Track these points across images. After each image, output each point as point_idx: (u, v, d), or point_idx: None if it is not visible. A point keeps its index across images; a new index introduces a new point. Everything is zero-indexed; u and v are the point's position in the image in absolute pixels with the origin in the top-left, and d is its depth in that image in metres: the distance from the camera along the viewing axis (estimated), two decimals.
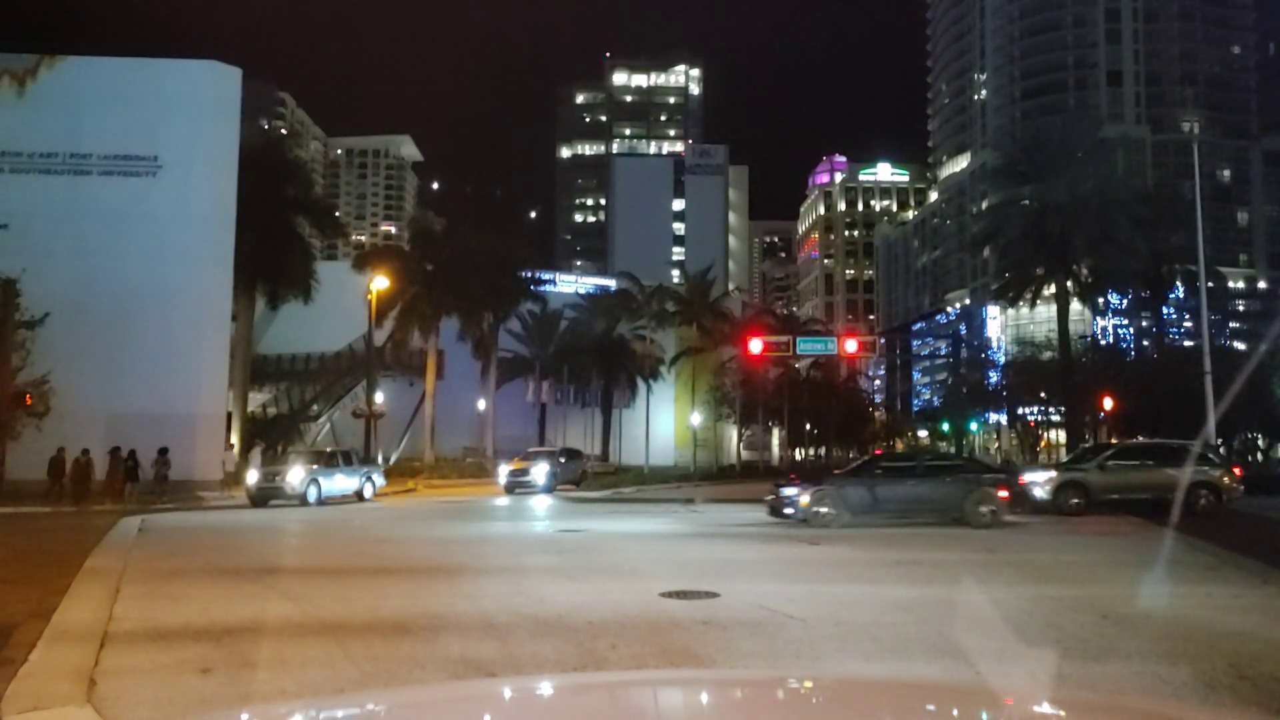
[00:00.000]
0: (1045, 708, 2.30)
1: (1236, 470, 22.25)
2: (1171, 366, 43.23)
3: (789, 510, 18.66)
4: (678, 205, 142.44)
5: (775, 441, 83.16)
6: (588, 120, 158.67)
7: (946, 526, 17.78)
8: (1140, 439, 25.43)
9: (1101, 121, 74.21)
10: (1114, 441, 26.45)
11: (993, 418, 77.51)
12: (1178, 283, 50.65)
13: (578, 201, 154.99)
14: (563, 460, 37.23)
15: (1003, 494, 18.93)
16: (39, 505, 24.10)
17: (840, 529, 17.27)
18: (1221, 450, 32.44)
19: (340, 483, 27.73)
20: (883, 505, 18.69)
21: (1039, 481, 21.52)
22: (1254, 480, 33.14)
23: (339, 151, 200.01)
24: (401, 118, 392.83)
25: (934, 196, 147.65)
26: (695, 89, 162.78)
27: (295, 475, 26.03)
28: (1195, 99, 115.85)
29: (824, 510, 18.04)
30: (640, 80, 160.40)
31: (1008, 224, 42.31)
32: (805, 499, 18.45)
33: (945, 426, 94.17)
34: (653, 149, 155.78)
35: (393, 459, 45.44)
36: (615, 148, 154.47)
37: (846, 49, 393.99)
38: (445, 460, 45.24)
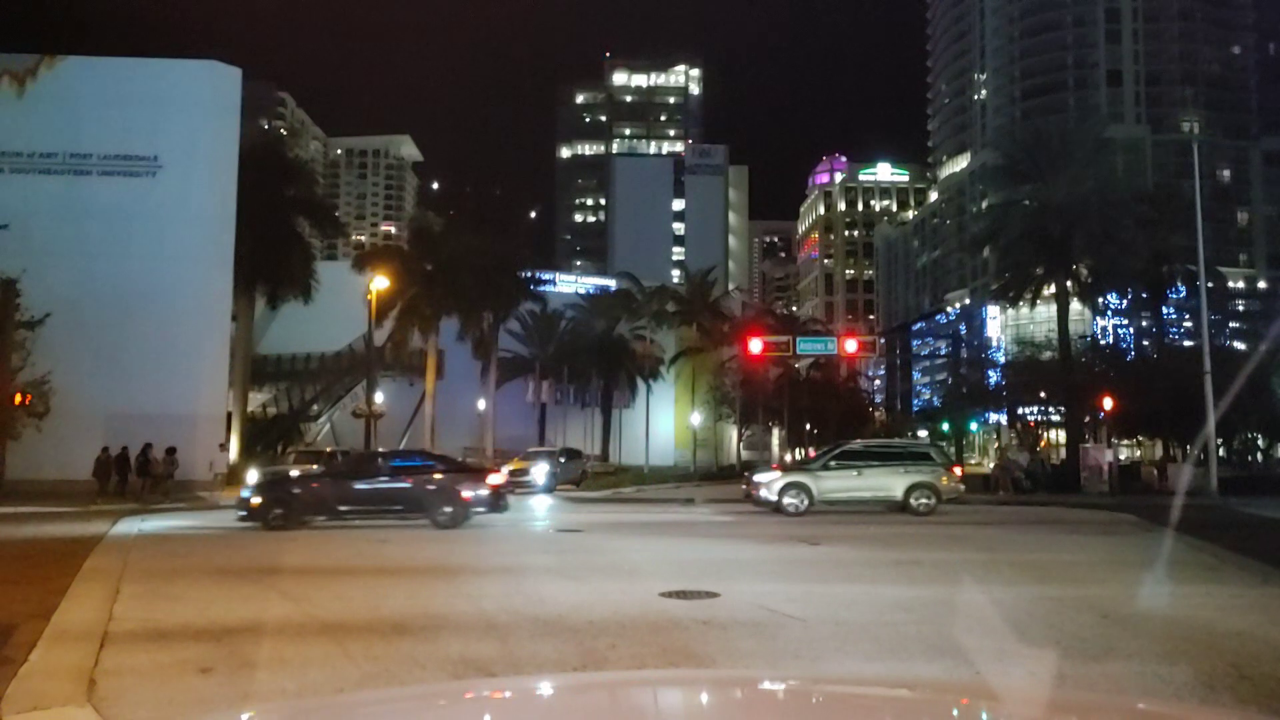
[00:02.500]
0: (1045, 708, 2.30)
1: (957, 470, 22.46)
2: (1171, 366, 43.15)
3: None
4: (678, 205, 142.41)
5: (775, 441, 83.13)
6: (587, 120, 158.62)
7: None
8: (858, 441, 25.53)
9: (1103, 121, 73.91)
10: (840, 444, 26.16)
11: (992, 418, 77.49)
12: (1178, 283, 50.61)
13: (577, 201, 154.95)
14: (563, 460, 37.25)
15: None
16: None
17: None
18: (948, 449, 32.82)
19: None
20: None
21: (765, 483, 21.54)
22: (1253, 481, 33.22)
23: (339, 151, 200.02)
24: (401, 118, 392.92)
25: (934, 196, 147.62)
26: (695, 89, 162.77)
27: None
28: (1195, 99, 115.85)
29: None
30: (640, 80, 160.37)
31: (1008, 224, 42.27)
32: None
33: (945, 426, 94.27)
34: (652, 149, 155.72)
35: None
36: (615, 148, 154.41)
37: (846, 49, 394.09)
38: None
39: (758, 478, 22.51)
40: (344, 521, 17.72)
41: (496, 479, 19.72)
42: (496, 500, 18.74)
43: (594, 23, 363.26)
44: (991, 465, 46.17)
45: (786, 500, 20.67)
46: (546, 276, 64.98)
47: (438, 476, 18.52)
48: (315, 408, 54.69)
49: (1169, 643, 7.24)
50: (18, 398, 27.07)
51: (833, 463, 22.08)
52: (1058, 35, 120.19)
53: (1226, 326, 79.81)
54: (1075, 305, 43.15)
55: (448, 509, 17.63)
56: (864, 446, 24.02)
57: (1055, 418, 55.04)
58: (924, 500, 20.90)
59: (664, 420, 66.20)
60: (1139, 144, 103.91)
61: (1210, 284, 39.40)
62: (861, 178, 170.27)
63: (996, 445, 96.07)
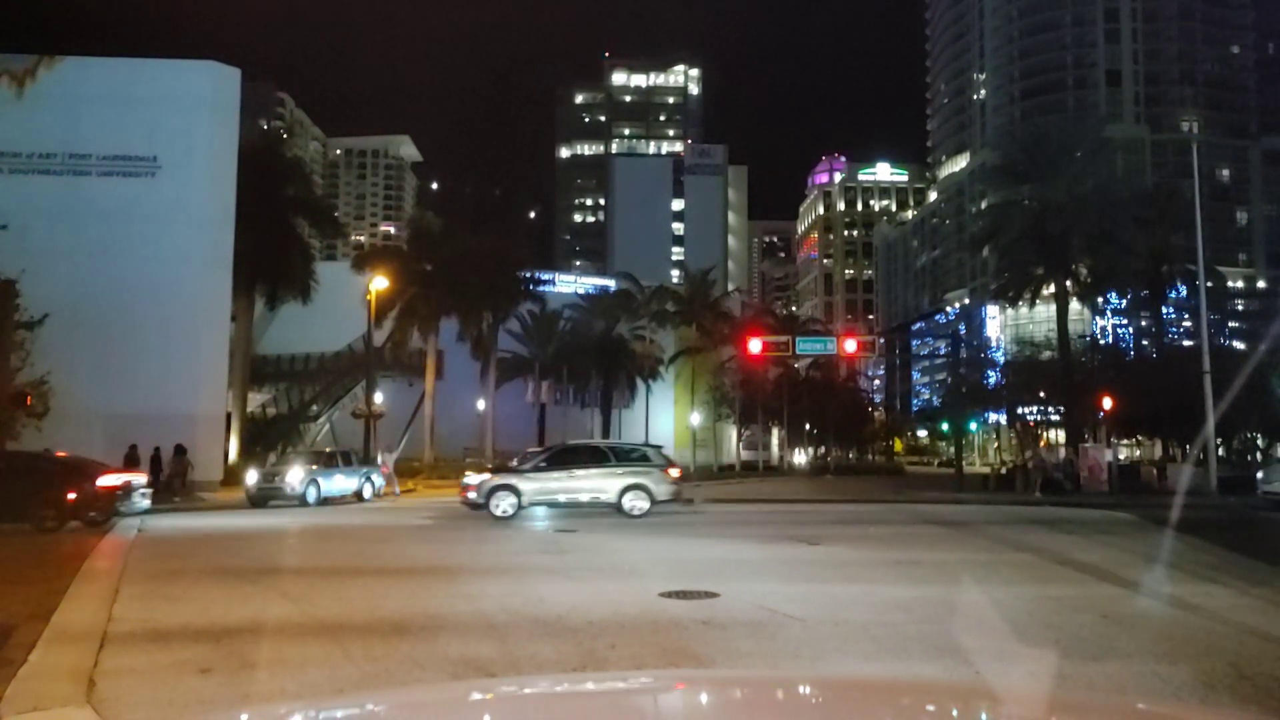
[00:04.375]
0: (1045, 708, 2.29)
1: (672, 471, 21.70)
2: (1171, 366, 43.19)
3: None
4: (677, 205, 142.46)
5: (775, 441, 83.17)
6: (587, 120, 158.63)
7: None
8: (575, 442, 25.21)
9: (1103, 121, 74.08)
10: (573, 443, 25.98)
11: (992, 417, 77.52)
12: (1177, 282, 50.63)
13: (577, 201, 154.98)
14: None
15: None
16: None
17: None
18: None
19: (340, 483, 27.71)
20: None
21: (474, 484, 20.96)
22: (1253, 481, 33.09)
23: (338, 152, 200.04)
24: (401, 118, 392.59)
25: (933, 196, 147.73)
26: (694, 89, 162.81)
27: (294, 476, 26.02)
28: (1195, 99, 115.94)
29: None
30: (639, 80, 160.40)
31: (1007, 224, 42.30)
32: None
33: (945, 426, 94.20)
34: (652, 149, 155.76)
35: (392, 459, 45.40)
36: (614, 148, 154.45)
37: (846, 49, 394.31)
38: (445, 460, 45.20)
39: (468, 479, 21.74)
40: None
41: (111, 480, 19.16)
42: (109, 503, 18.29)
43: (593, 23, 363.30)
44: (998, 464, 46.20)
45: (494, 503, 19.96)
46: (546, 276, 65.06)
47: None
48: (315, 408, 54.68)
49: (1169, 643, 7.24)
50: (22, 398, 27.06)
51: (544, 464, 21.50)
52: (1057, 35, 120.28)
53: (1226, 326, 79.86)
54: (1075, 305, 43.21)
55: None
56: (580, 447, 23.61)
57: (1055, 417, 55.07)
58: (638, 502, 20.29)
59: (663, 420, 66.20)
60: (1138, 144, 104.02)
61: (1210, 284, 39.40)
62: (861, 178, 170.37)
63: (996, 445, 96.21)
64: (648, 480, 20.79)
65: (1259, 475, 25.80)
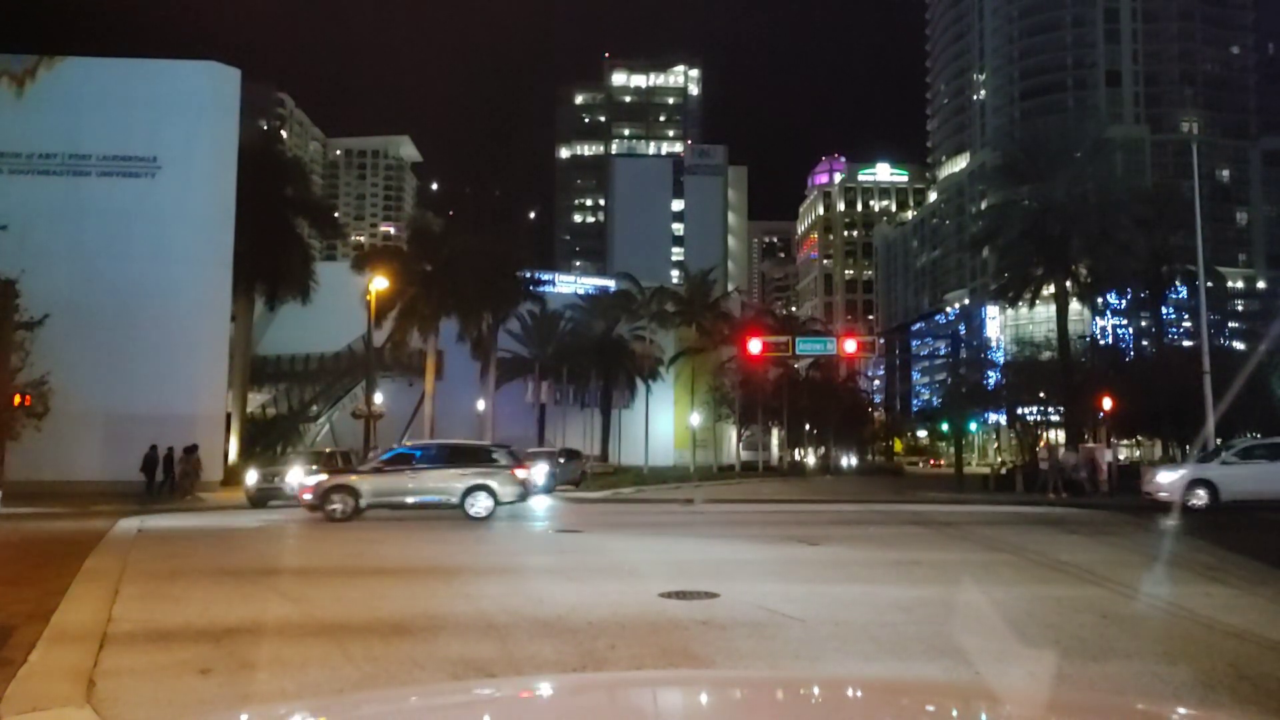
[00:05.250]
0: (1045, 708, 2.29)
1: (519, 471, 21.23)
2: (1171, 366, 43.18)
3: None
4: (677, 206, 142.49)
5: (775, 441, 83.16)
6: (587, 121, 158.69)
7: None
8: (425, 441, 24.95)
9: (1103, 122, 74.01)
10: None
11: (992, 418, 77.52)
12: (1177, 283, 50.61)
13: (577, 202, 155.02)
14: (562, 461, 37.22)
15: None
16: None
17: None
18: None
19: None
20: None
21: (309, 484, 20.54)
22: None
23: (338, 152, 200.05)
24: (401, 118, 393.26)
25: (933, 196, 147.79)
26: (694, 89, 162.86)
27: (295, 476, 26.00)
28: (1194, 99, 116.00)
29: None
30: (639, 81, 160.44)
31: (1007, 224, 42.27)
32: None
33: (945, 426, 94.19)
34: (652, 149, 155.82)
35: None
36: (614, 148, 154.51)
37: (846, 48, 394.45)
38: None
39: (305, 480, 21.27)
40: None
41: None
42: None
43: (593, 23, 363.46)
44: (998, 464, 46.13)
45: (329, 504, 19.50)
46: (546, 277, 65.05)
47: None
48: (315, 408, 54.71)
49: (1169, 643, 7.24)
50: (17, 398, 27.06)
51: (385, 465, 21.18)
52: (1057, 35, 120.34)
53: (1226, 326, 79.86)
54: (1074, 305, 43.17)
55: None
56: (425, 447, 23.25)
57: (1055, 418, 55.06)
58: (482, 503, 19.91)
59: (663, 421, 66.22)
60: (1138, 144, 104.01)
61: (1209, 284, 39.36)
62: (861, 178, 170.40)
63: (996, 445, 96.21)
64: (492, 481, 20.25)
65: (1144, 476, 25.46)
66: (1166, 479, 23.00)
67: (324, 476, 21.12)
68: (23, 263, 27.70)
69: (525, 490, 21.17)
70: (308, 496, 20.10)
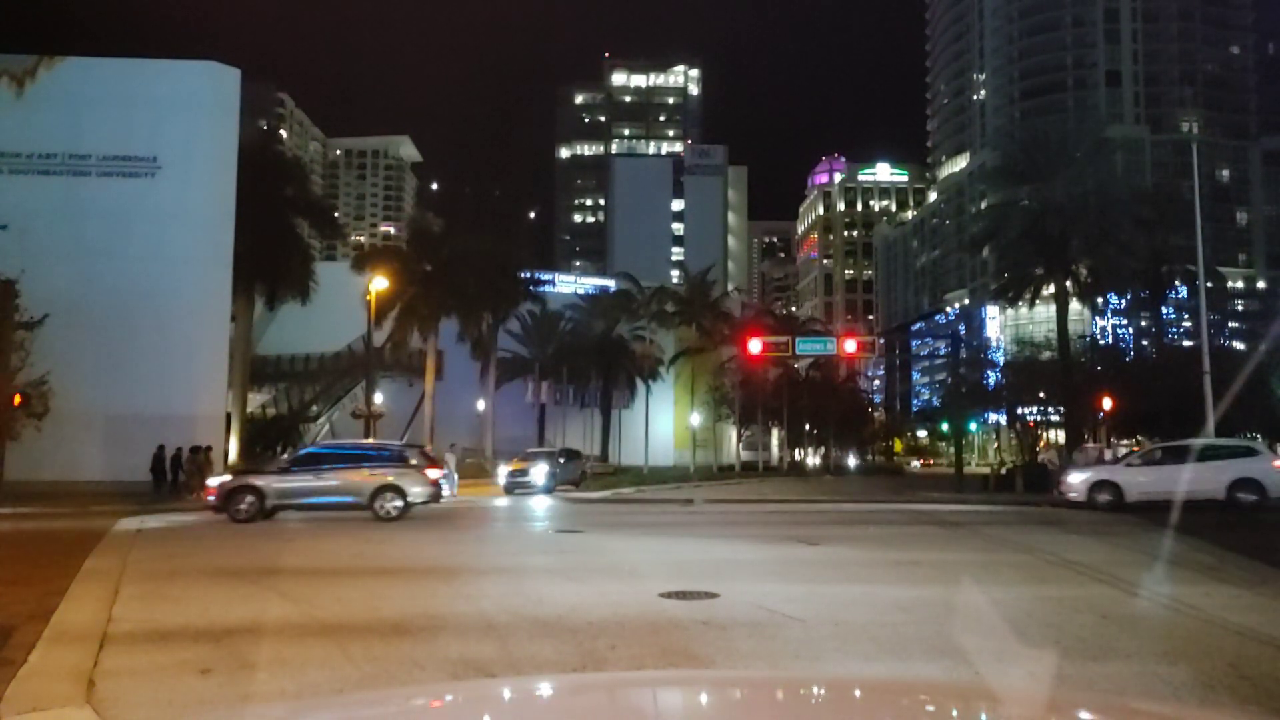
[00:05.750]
0: (1044, 708, 2.29)
1: (430, 471, 21.04)
2: (1171, 366, 43.22)
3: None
4: (677, 205, 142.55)
5: (775, 442, 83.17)
6: (587, 120, 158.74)
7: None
8: (339, 441, 24.88)
9: (1103, 122, 74.09)
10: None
11: (992, 418, 77.57)
12: (1177, 283, 50.66)
13: (577, 202, 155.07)
14: (562, 461, 37.21)
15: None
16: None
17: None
18: (430, 450, 28.54)
19: None
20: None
21: (212, 485, 20.41)
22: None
23: (338, 152, 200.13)
24: (401, 118, 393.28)
25: (933, 196, 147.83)
26: (694, 89, 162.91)
27: None
28: (1194, 99, 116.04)
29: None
30: (639, 80, 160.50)
31: (1007, 224, 42.25)
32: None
33: (945, 426, 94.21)
34: (652, 149, 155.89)
35: None
36: (614, 148, 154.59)
37: (846, 49, 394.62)
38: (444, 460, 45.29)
39: (211, 481, 21.00)
40: None
41: None
42: None
43: (593, 23, 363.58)
44: (998, 464, 46.05)
45: (232, 505, 19.34)
46: (546, 277, 65.08)
47: None
48: (315, 408, 54.74)
49: (1169, 643, 7.24)
50: (16, 398, 27.06)
51: (292, 465, 21.05)
52: (1057, 35, 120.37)
53: (1226, 326, 79.91)
54: (1074, 305, 43.15)
55: None
56: (335, 448, 23.09)
57: (1055, 418, 55.08)
58: (391, 503, 19.69)
59: (663, 421, 66.24)
60: (1138, 144, 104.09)
61: (1209, 284, 39.40)
62: (861, 178, 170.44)
63: (996, 446, 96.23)
64: (401, 480, 20.08)
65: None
66: (1076, 480, 24.24)
67: (228, 477, 20.87)
68: (23, 262, 27.71)
69: (437, 490, 20.83)
70: (211, 498, 19.85)
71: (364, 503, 19.74)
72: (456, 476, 31.68)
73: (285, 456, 24.74)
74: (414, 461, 21.09)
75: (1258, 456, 23.30)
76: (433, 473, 21.06)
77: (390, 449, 22.72)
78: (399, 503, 19.78)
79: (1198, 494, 21.67)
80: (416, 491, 20.15)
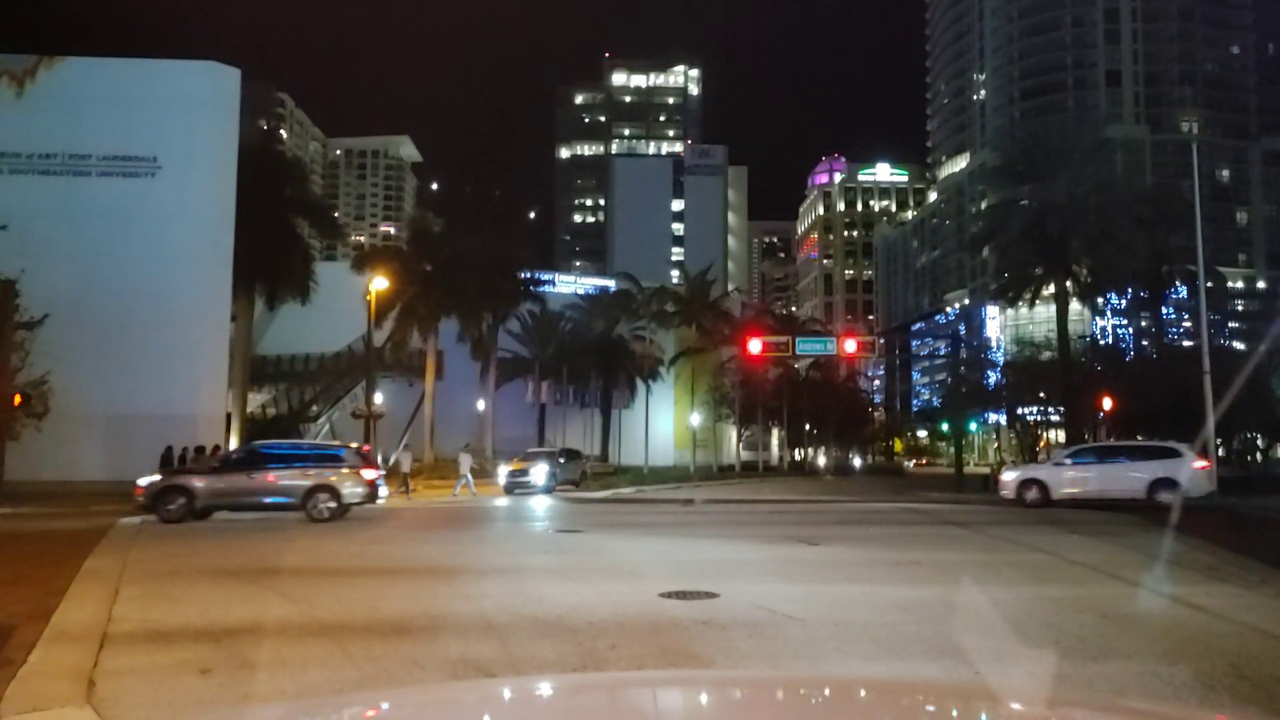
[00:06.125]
0: (1044, 708, 2.30)
1: (365, 471, 20.69)
2: (1171, 366, 43.21)
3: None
4: (677, 205, 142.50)
5: (775, 442, 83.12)
6: (587, 120, 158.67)
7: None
8: (278, 441, 24.76)
9: (1103, 122, 74.07)
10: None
11: (992, 418, 77.57)
12: (1177, 283, 50.66)
13: (577, 202, 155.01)
14: (562, 461, 37.20)
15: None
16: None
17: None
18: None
19: None
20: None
21: (141, 484, 20.07)
22: (1252, 481, 33.13)
23: (338, 152, 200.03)
24: (401, 118, 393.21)
25: (933, 196, 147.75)
26: (694, 89, 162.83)
27: None
28: (1194, 99, 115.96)
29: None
30: (639, 81, 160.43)
31: (1007, 224, 42.26)
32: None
33: (945, 426, 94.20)
34: (652, 149, 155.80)
35: (392, 460, 45.47)
36: (614, 148, 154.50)
37: (846, 49, 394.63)
38: (445, 461, 45.25)
39: (141, 481, 20.56)
40: None
41: None
42: None
43: (593, 23, 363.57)
44: (997, 464, 45.95)
45: (161, 505, 19.11)
46: (546, 277, 65.09)
47: None
48: (315, 408, 54.73)
49: (1169, 643, 7.24)
50: (16, 398, 27.06)
51: (225, 465, 20.92)
52: (1057, 35, 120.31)
53: (1226, 326, 79.82)
54: (1074, 305, 43.17)
55: None
56: (269, 447, 22.77)
57: (1055, 418, 55.09)
58: (325, 504, 19.48)
59: (663, 421, 66.20)
60: (1138, 144, 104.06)
61: (1209, 284, 39.38)
62: (861, 178, 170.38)
63: (996, 446, 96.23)
64: (336, 481, 19.91)
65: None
66: (1008, 478, 25.29)
67: (157, 476, 20.57)
68: (23, 262, 27.71)
69: (372, 491, 20.49)
70: (140, 498, 19.55)
71: (297, 503, 19.54)
72: (471, 478, 31.59)
73: (218, 456, 24.45)
74: (350, 462, 20.76)
75: (1179, 458, 23.55)
76: (368, 473, 20.64)
77: (326, 449, 22.77)
78: (333, 504, 19.54)
79: (1119, 493, 22.72)
80: (350, 492, 19.88)
